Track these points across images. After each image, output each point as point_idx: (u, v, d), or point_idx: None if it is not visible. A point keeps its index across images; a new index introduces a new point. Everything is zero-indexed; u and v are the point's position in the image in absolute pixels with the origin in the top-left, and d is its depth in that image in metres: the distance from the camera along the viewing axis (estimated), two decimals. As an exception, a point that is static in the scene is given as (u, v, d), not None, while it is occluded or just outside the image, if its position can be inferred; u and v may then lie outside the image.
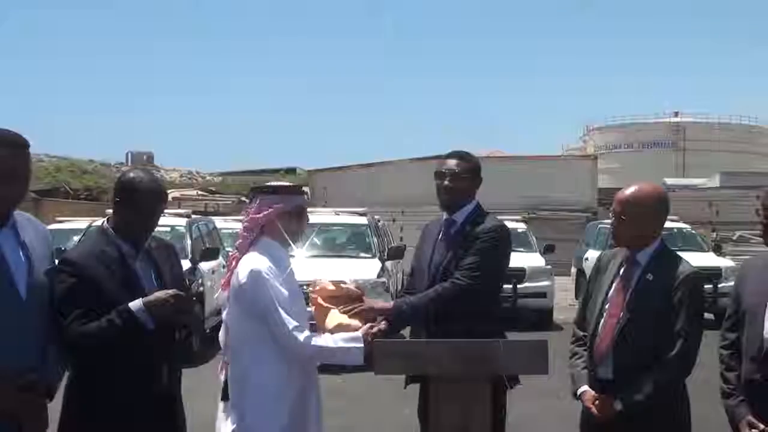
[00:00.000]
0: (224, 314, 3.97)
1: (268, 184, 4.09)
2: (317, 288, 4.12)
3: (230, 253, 4.06)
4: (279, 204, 3.87)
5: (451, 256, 4.33)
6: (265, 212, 3.87)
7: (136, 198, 3.62)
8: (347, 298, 4.12)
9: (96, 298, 3.48)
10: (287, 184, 4.09)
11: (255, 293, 3.74)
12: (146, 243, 3.72)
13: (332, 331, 3.93)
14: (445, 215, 4.49)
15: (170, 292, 3.50)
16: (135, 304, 3.45)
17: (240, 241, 3.96)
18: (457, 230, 4.40)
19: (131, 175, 3.76)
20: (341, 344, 3.82)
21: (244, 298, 3.77)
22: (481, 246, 4.29)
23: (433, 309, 4.22)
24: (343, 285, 4.18)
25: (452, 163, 4.42)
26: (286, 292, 3.76)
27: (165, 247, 3.89)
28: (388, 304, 4.42)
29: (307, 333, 3.76)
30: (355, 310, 4.06)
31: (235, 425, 3.82)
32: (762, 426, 3.57)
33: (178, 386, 3.80)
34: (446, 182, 4.39)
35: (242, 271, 3.79)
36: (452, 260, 4.31)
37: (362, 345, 3.81)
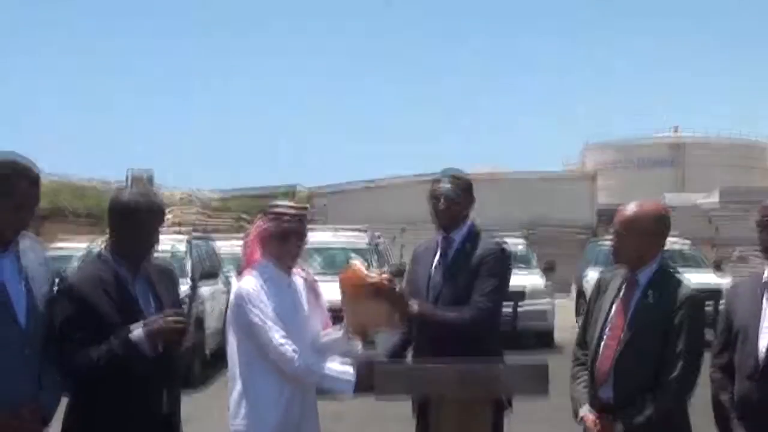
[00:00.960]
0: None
1: (270, 205, 4.12)
2: (345, 274, 4.11)
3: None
4: (264, 226, 4.00)
5: (453, 278, 4.31)
6: (249, 234, 4.08)
7: (132, 218, 3.61)
8: (378, 287, 4.05)
9: (95, 324, 3.48)
10: (278, 207, 4.09)
11: (241, 313, 3.89)
12: (145, 267, 3.71)
13: (360, 314, 4.02)
14: (440, 235, 4.48)
15: (170, 318, 3.50)
16: (136, 335, 3.44)
17: (243, 255, 4.14)
18: (456, 250, 4.39)
19: (124, 196, 3.74)
20: (331, 372, 3.84)
21: (234, 317, 3.93)
22: (492, 269, 4.30)
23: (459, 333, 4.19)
24: (372, 274, 4.12)
25: (447, 185, 4.40)
26: (271, 311, 3.84)
27: (164, 272, 3.89)
28: (415, 304, 4.24)
29: (295, 348, 3.79)
30: (386, 293, 4.04)
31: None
32: None
33: (178, 410, 3.80)
34: (442, 205, 4.38)
35: (233, 292, 4.01)
36: (455, 282, 4.28)
37: (353, 379, 3.84)
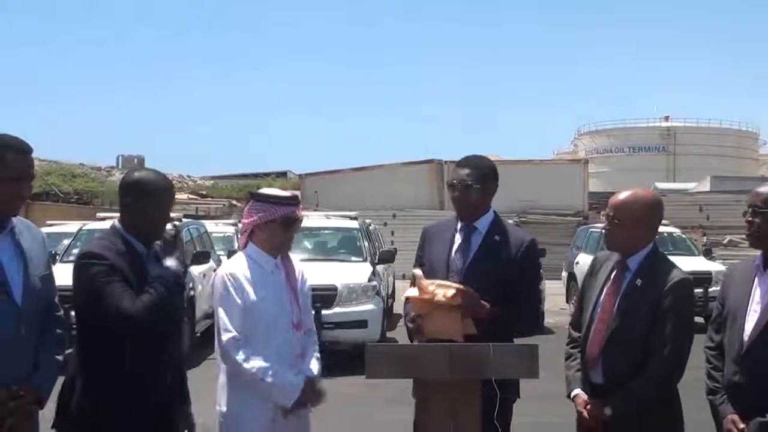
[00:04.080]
0: None
1: (261, 191, 4.10)
2: (413, 292, 3.94)
3: None
4: (264, 213, 3.94)
5: (481, 267, 4.10)
6: (251, 219, 3.98)
7: (152, 196, 3.64)
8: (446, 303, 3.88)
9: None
10: (279, 193, 4.05)
11: (215, 297, 3.92)
12: (154, 244, 3.72)
13: (434, 326, 3.88)
14: (460, 222, 4.27)
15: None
16: (171, 264, 3.61)
17: (240, 241, 4.12)
18: (483, 241, 4.19)
19: (137, 174, 3.78)
20: (276, 381, 3.80)
21: (214, 299, 3.95)
22: (535, 268, 4.24)
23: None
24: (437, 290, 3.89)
25: (463, 173, 4.19)
26: (239, 302, 3.82)
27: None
28: (487, 306, 3.97)
29: (242, 353, 3.78)
30: (463, 303, 3.84)
31: (218, 416, 3.92)
32: (742, 426, 3.63)
33: (183, 394, 3.82)
34: (457, 194, 4.20)
35: (218, 274, 4.01)
36: (484, 272, 4.06)
37: (298, 392, 3.82)
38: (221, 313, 3.84)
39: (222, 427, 3.90)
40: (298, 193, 4.59)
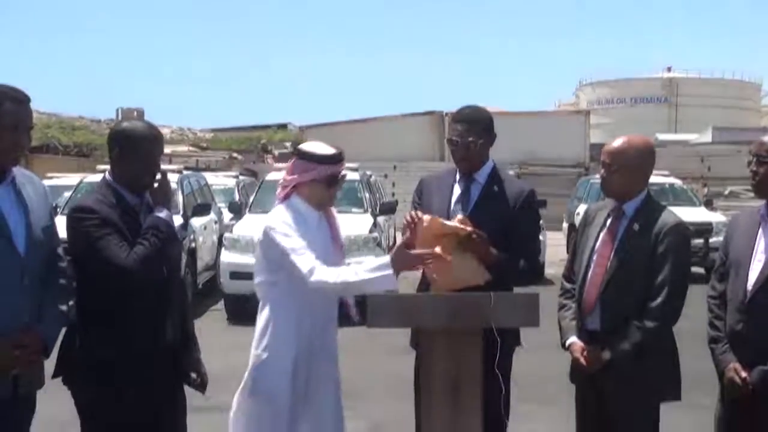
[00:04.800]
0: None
1: (306, 148, 4.00)
2: (426, 229, 3.79)
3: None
4: (309, 172, 3.89)
5: (480, 218, 4.00)
6: (292, 177, 3.94)
7: (137, 146, 3.62)
8: (455, 237, 3.81)
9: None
10: (324, 151, 3.95)
11: (268, 246, 3.86)
12: (146, 196, 3.71)
13: (449, 272, 3.77)
14: (459, 172, 4.27)
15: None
16: (161, 213, 3.63)
17: (278, 193, 4.03)
18: (482, 192, 4.21)
19: (125, 124, 3.79)
20: (365, 276, 3.68)
21: (263, 249, 3.92)
22: (534, 219, 4.25)
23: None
24: (448, 222, 3.86)
25: (462, 129, 4.15)
26: (302, 241, 3.77)
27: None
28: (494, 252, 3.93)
29: (322, 272, 3.69)
30: (473, 241, 3.80)
31: (252, 358, 3.91)
32: (744, 374, 3.66)
33: (188, 337, 3.86)
34: (460, 152, 4.18)
35: (262, 225, 3.94)
36: (484, 223, 3.95)
37: (390, 271, 3.65)
38: (291, 257, 3.73)
39: (256, 369, 3.87)
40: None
